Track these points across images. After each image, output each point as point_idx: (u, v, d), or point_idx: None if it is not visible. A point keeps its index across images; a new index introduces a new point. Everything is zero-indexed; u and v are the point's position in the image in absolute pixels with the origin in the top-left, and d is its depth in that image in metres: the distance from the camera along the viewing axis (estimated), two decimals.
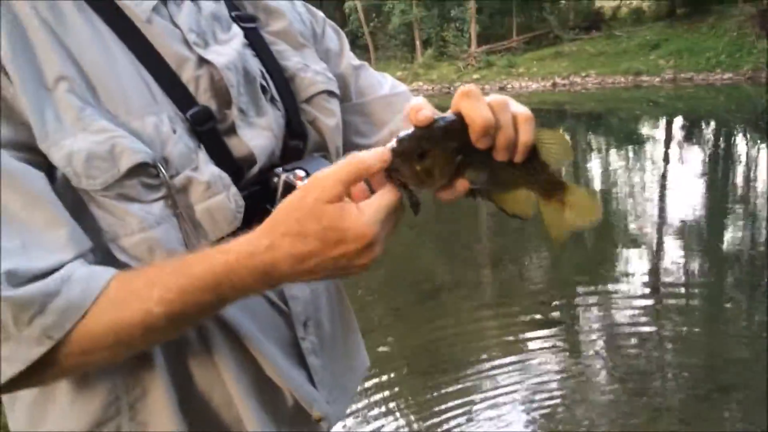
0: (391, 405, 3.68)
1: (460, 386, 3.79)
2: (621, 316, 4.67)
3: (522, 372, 3.90)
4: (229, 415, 0.86)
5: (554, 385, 3.77)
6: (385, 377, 3.94)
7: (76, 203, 0.74)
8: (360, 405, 3.62)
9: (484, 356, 4.13)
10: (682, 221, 6.87)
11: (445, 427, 3.42)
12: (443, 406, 3.59)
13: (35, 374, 0.68)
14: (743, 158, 10.57)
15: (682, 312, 4.66)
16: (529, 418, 3.46)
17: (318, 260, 0.68)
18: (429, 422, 3.48)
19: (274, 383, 0.89)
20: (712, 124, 14.39)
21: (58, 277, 0.68)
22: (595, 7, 28.12)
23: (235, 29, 0.92)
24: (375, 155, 0.69)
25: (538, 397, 3.64)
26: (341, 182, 0.67)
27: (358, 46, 28.54)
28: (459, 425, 3.43)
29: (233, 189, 0.80)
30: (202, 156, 0.80)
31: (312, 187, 0.68)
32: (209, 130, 0.81)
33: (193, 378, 0.84)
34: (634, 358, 4.03)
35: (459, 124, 0.71)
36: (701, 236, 6.55)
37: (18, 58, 0.71)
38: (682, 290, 5.12)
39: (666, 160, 10.93)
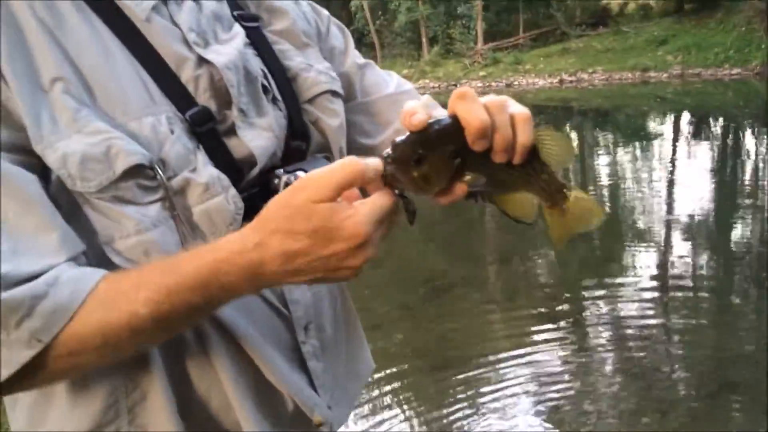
0: (400, 398, 3.70)
1: (467, 380, 3.80)
2: (629, 311, 4.65)
3: (529, 366, 3.90)
4: (228, 419, 0.85)
5: (562, 377, 3.78)
6: (394, 370, 3.95)
7: (71, 205, 0.73)
8: (368, 398, 3.64)
9: (492, 351, 4.13)
10: (690, 217, 6.84)
11: (453, 418, 3.43)
12: (451, 400, 3.61)
13: (26, 378, 0.67)
14: (751, 154, 10.51)
15: (690, 307, 4.65)
16: (536, 411, 3.47)
17: (308, 259, 0.67)
18: (436, 413, 3.50)
19: (273, 387, 0.88)
20: (721, 119, 14.31)
21: (47, 279, 0.67)
22: (602, 3, 28.02)
23: (237, 28, 0.90)
24: (370, 164, 0.67)
25: (545, 390, 3.64)
26: (334, 185, 0.66)
27: (364, 44, 28.60)
28: (467, 416, 3.44)
29: (232, 191, 0.79)
30: (201, 157, 0.79)
31: (303, 186, 0.67)
32: (209, 131, 0.80)
33: (192, 381, 0.83)
34: (642, 350, 4.02)
35: (455, 127, 0.69)
36: (709, 232, 6.52)
37: (14, 59, 0.70)
38: (690, 285, 5.11)
39: (674, 156, 10.88)
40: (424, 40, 28.35)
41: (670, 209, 7.42)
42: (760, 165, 9.49)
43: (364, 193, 0.70)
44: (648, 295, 4.89)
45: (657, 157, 10.87)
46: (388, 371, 3.92)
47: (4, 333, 0.65)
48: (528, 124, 0.71)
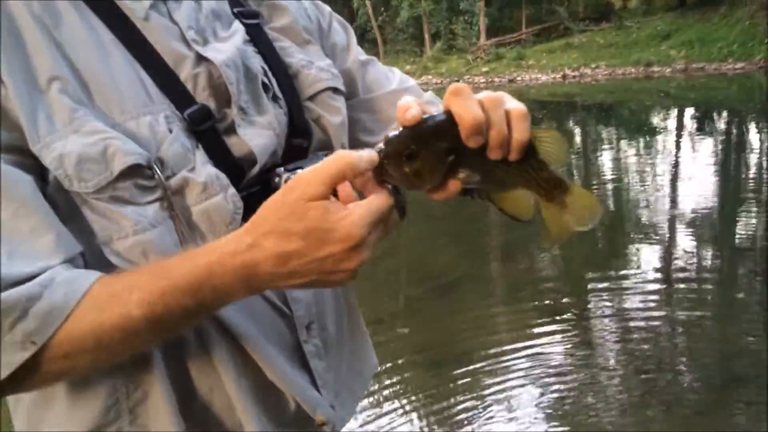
0: (403, 390, 3.71)
1: (472, 372, 3.80)
2: (633, 304, 4.65)
3: (534, 359, 3.90)
4: (229, 419, 0.85)
5: (567, 370, 3.78)
6: (399, 362, 3.96)
7: (68, 206, 0.72)
8: (373, 390, 3.65)
9: (497, 344, 4.13)
10: (694, 211, 6.82)
11: (457, 410, 3.44)
12: (455, 393, 3.62)
13: (20, 380, 0.67)
14: (755, 148, 10.48)
15: (694, 300, 4.63)
16: (540, 404, 3.47)
17: (302, 261, 0.66)
18: (439, 406, 3.50)
19: (275, 387, 0.87)
20: (725, 114, 14.26)
21: (41, 281, 0.66)
22: None
23: (237, 26, 0.90)
24: (362, 155, 0.67)
25: (549, 382, 3.65)
26: (325, 181, 0.65)
27: (366, 40, 28.59)
28: (471, 409, 3.44)
29: (231, 190, 0.79)
30: (200, 156, 0.78)
31: (295, 185, 0.66)
32: (208, 130, 0.79)
33: (193, 381, 0.82)
34: (646, 343, 4.02)
35: (449, 123, 0.68)
36: (713, 225, 6.50)
37: (11, 58, 0.70)
38: (695, 278, 5.10)
39: (678, 150, 10.85)
40: (426, 36, 28.33)
41: (674, 203, 7.39)
42: (764, 159, 9.44)
43: (361, 196, 0.69)
44: (652, 287, 4.88)
45: (661, 152, 10.83)
46: (390, 364, 3.92)
47: None
48: (524, 121, 0.70)
